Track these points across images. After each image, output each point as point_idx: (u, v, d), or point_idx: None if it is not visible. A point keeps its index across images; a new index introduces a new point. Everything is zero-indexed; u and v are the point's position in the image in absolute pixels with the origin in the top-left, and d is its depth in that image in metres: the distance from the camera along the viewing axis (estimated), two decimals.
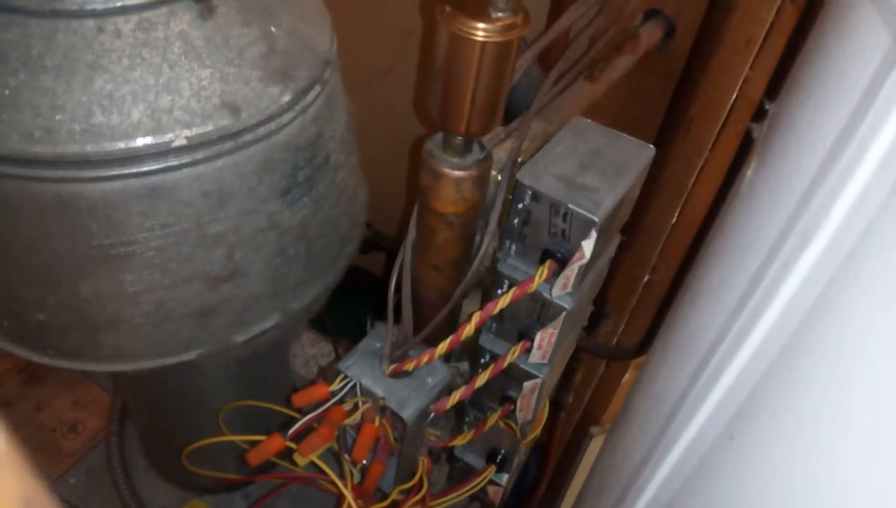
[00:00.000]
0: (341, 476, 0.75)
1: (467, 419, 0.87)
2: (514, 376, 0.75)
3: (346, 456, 0.76)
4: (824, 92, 0.35)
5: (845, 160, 0.30)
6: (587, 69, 0.76)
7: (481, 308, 0.66)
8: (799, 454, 0.35)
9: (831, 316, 0.33)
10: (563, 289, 0.65)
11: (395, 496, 0.81)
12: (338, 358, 1.37)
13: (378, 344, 0.74)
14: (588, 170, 0.64)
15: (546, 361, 0.72)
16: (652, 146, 0.68)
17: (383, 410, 0.72)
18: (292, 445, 0.71)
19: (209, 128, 0.59)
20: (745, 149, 0.87)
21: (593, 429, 1.36)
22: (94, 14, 0.55)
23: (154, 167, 0.58)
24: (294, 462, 0.73)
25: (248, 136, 0.61)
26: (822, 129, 0.34)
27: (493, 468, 0.90)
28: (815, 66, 0.38)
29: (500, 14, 0.49)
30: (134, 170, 0.58)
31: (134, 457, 1.20)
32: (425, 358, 0.69)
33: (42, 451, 1.20)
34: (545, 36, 0.71)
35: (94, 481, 1.19)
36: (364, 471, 0.77)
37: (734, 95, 0.86)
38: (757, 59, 0.83)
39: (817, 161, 0.34)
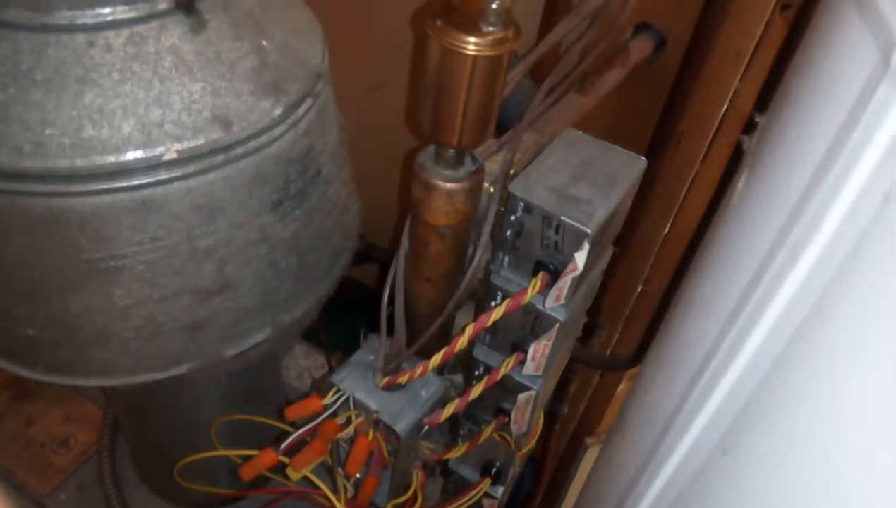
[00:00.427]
0: (335, 490, 0.75)
1: (461, 431, 0.86)
2: (509, 388, 0.75)
3: (340, 470, 0.75)
4: (814, 105, 0.35)
5: (835, 173, 0.30)
6: (578, 82, 0.76)
7: (475, 320, 0.65)
8: (792, 468, 0.35)
9: (823, 329, 0.33)
10: (556, 301, 0.65)
11: None
12: (331, 370, 1.36)
13: (371, 357, 0.73)
14: (580, 181, 0.64)
15: (540, 373, 0.72)
16: (643, 158, 0.68)
17: (377, 423, 0.71)
18: (285, 459, 0.71)
19: (200, 141, 0.58)
20: (735, 161, 0.87)
21: (588, 440, 1.35)
22: (85, 28, 0.54)
23: (144, 181, 0.58)
24: (287, 477, 0.72)
25: (240, 150, 0.61)
26: (812, 142, 0.34)
27: (487, 480, 0.89)
28: (805, 79, 0.38)
29: (490, 28, 0.49)
30: (124, 183, 0.57)
31: (126, 472, 1.19)
32: (419, 371, 0.69)
33: (32, 467, 1.19)
34: (536, 49, 0.72)
35: (85, 496, 1.18)
36: (358, 485, 0.76)
37: (724, 108, 0.87)
38: (747, 72, 0.83)
39: (807, 174, 0.34)
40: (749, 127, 0.84)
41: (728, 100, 0.86)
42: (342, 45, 0.83)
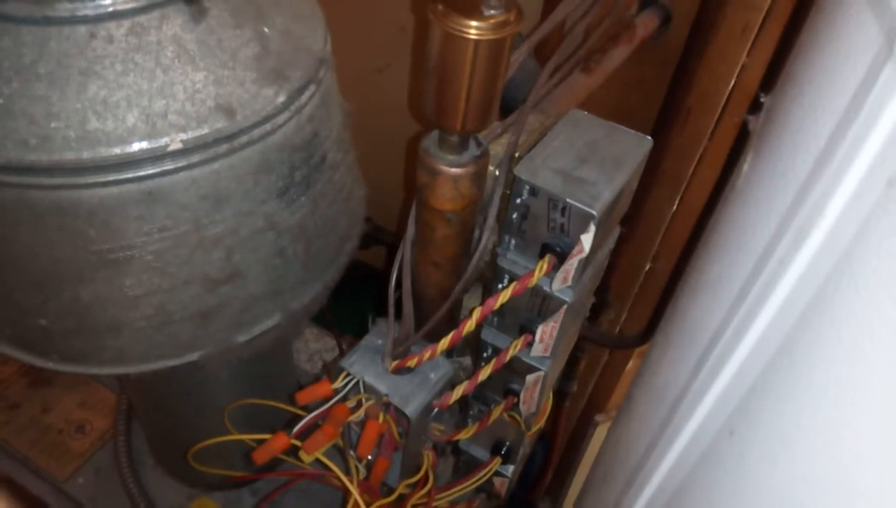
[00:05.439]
0: (347, 472, 0.76)
1: (471, 412, 0.87)
2: (517, 369, 0.75)
3: (352, 453, 0.76)
4: (818, 88, 0.35)
5: (839, 157, 0.30)
6: (583, 61, 0.75)
7: (482, 303, 0.66)
8: (798, 449, 0.35)
9: (828, 313, 0.33)
10: (563, 283, 0.65)
11: (401, 490, 0.82)
12: (341, 353, 1.37)
13: (380, 341, 0.74)
14: (586, 163, 0.63)
15: (548, 354, 0.72)
16: (650, 137, 0.68)
17: (387, 406, 0.72)
18: (297, 443, 0.72)
19: (204, 131, 0.58)
20: (742, 139, 0.87)
21: (598, 417, 1.36)
22: (86, 20, 0.54)
23: (150, 171, 0.58)
24: (300, 459, 0.73)
25: (244, 138, 0.61)
26: (817, 126, 0.33)
27: (498, 460, 0.90)
28: (809, 61, 0.37)
29: (492, 11, 0.48)
30: (130, 175, 0.58)
31: (141, 456, 1.21)
32: (427, 354, 0.70)
33: (50, 452, 1.21)
34: (540, 28, 0.71)
35: (102, 480, 1.20)
36: (369, 467, 0.77)
37: (731, 83, 0.86)
38: (753, 47, 0.82)
39: (812, 157, 0.33)
40: (755, 106, 0.83)
41: (735, 75, 0.85)
42: (344, 28, 0.82)
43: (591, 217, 0.59)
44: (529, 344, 0.71)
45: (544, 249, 0.64)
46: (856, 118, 0.29)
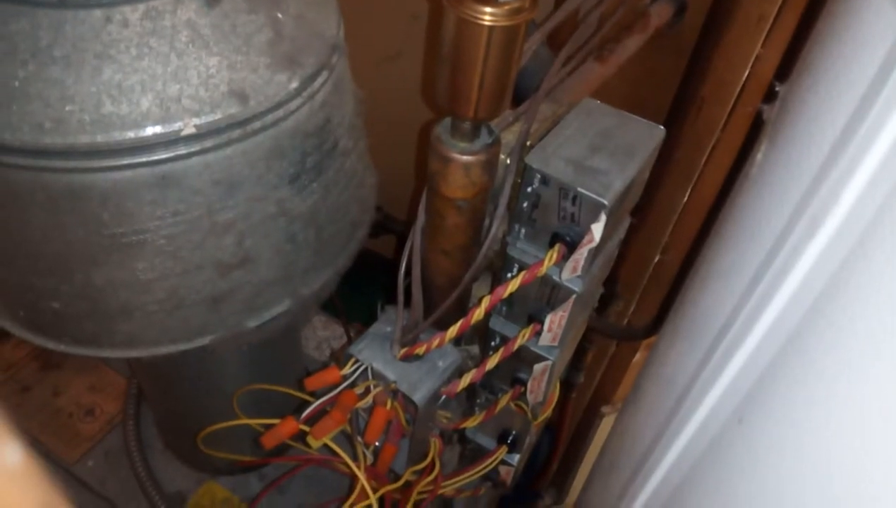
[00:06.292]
0: (354, 458, 0.76)
1: (478, 401, 0.87)
2: (525, 358, 0.75)
3: (359, 439, 0.76)
4: (834, 76, 0.35)
5: (855, 145, 0.30)
6: (597, 49, 0.75)
7: (491, 291, 0.66)
8: (808, 438, 0.35)
9: (841, 301, 0.33)
10: (572, 273, 0.65)
11: (407, 476, 0.82)
12: (350, 341, 1.38)
13: (389, 328, 0.74)
14: (597, 152, 0.63)
15: (556, 344, 0.72)
16: (662, 127, 0.67)
17: (395, 393, 0.72)
18: (305, 428, 0.72)
19: (218, 116, 0.59)
20: (756, 130, 0.86)
21: (604, 409, 1.36)
22: (102, 4, 0.55)
23: (164, 156, 0.58)
24: (308, 445, 0.74)
25: (257, 124, 0.61)
26: (832, 114, 0.33)
27: (504, 448, 0.90)
28: (826, 49, 0.37)
29: None
30: (144, 159, 0.58)
31: (150, 440, 1.22)
32: (436, 342, 0.70)
33: (60, 435, 1.22)
34: (554, 16, 0.70)
35: (111, 463, 1.21)
36: (377, 453, 0.78)
37: (745, 74, 0.85)
38: (769, 37, 0.82)
39: (827, 145, 0.33)
40: (770, 96, 0.83)
41: (749, 66, 0.85)
42: (358, 15, 0.82)
43: (603, 206, 0.59)
44: (538, 334, 0.71)
45: (554, 238, 0.64)
46: (872, 106, 0.29)
